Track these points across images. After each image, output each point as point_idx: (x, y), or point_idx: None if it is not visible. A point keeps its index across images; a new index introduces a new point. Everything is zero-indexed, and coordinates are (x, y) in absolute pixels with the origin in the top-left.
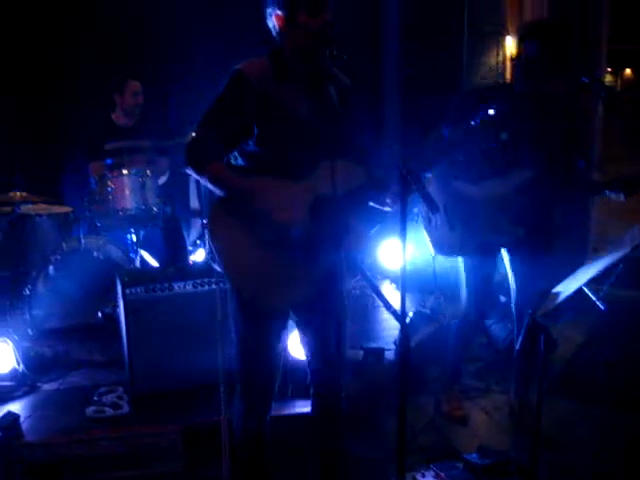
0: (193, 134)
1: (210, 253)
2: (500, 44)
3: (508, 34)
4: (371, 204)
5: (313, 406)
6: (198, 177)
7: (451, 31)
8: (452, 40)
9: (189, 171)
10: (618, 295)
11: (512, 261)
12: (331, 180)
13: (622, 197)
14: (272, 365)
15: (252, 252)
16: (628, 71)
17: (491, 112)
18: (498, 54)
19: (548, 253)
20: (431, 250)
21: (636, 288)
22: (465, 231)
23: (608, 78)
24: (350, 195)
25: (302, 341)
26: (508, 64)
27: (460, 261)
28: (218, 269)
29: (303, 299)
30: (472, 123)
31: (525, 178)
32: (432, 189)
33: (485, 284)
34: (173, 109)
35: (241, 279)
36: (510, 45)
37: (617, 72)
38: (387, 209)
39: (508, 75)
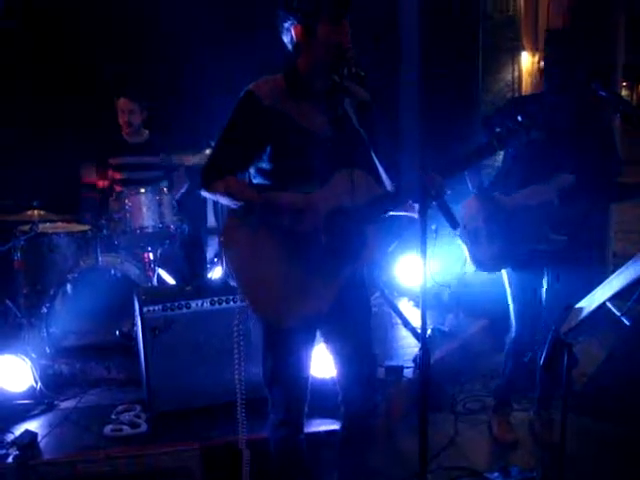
0: (208, 156)
1: (227, 270)
2: (516, 59)
3: (524, 50)
4: (395, 213)
5: (343, 423)
6: (213, 196)
7: (466, 45)
8: (468, 55)
9: (204, 193)
10: None
11: (548, 272)
12: (350, 189)
13: None
14: (299, 376)
15: (266, 267)
16: None
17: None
18: (514, 70)
19: (580, 264)
20: (471, 266)
21: None
22: (507, 243)
23: (623, 92)
24: (368, 205)
25: (332, 357)
26: (524, 79)
27: (505, 278)
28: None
29: (320, 313)
30: (509, 125)
31: (567, 183)
32: (470, 204)
33: (533, 299)
34: (190, 125)
35: (256, 295)
36: (526, 61)
37: (632, 87)
38: (414, 215)
39: (524, 90)
